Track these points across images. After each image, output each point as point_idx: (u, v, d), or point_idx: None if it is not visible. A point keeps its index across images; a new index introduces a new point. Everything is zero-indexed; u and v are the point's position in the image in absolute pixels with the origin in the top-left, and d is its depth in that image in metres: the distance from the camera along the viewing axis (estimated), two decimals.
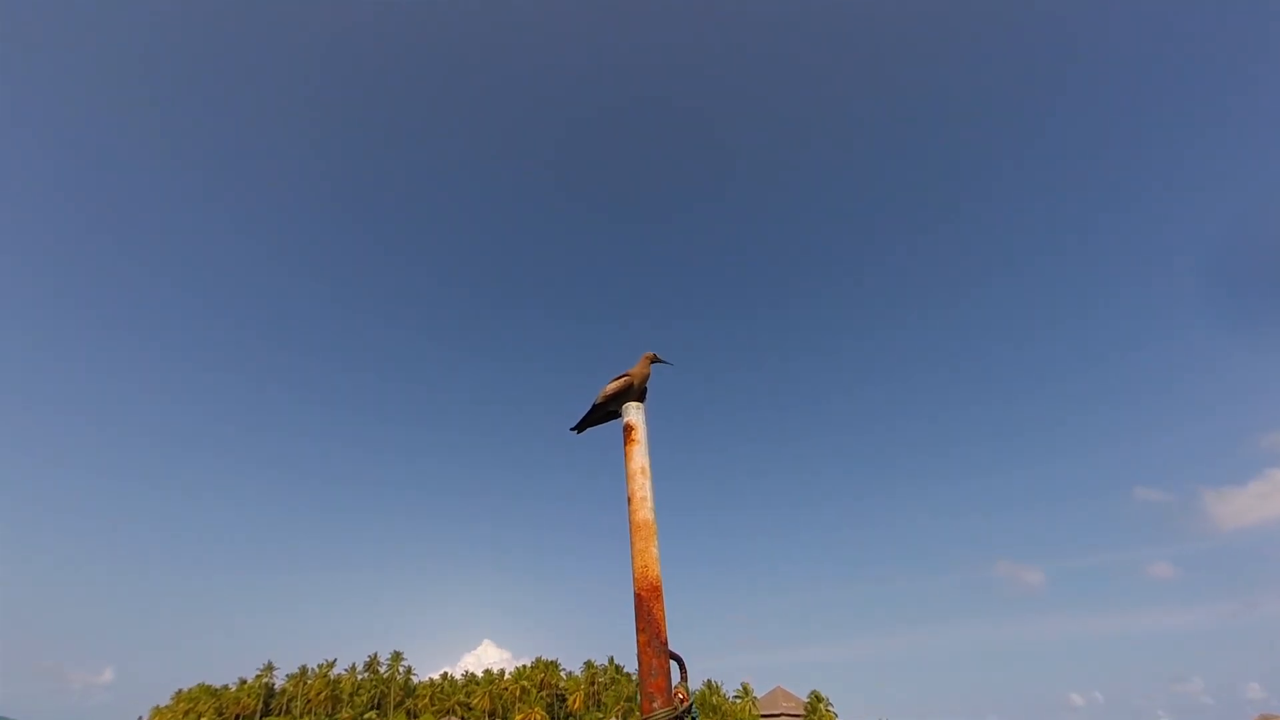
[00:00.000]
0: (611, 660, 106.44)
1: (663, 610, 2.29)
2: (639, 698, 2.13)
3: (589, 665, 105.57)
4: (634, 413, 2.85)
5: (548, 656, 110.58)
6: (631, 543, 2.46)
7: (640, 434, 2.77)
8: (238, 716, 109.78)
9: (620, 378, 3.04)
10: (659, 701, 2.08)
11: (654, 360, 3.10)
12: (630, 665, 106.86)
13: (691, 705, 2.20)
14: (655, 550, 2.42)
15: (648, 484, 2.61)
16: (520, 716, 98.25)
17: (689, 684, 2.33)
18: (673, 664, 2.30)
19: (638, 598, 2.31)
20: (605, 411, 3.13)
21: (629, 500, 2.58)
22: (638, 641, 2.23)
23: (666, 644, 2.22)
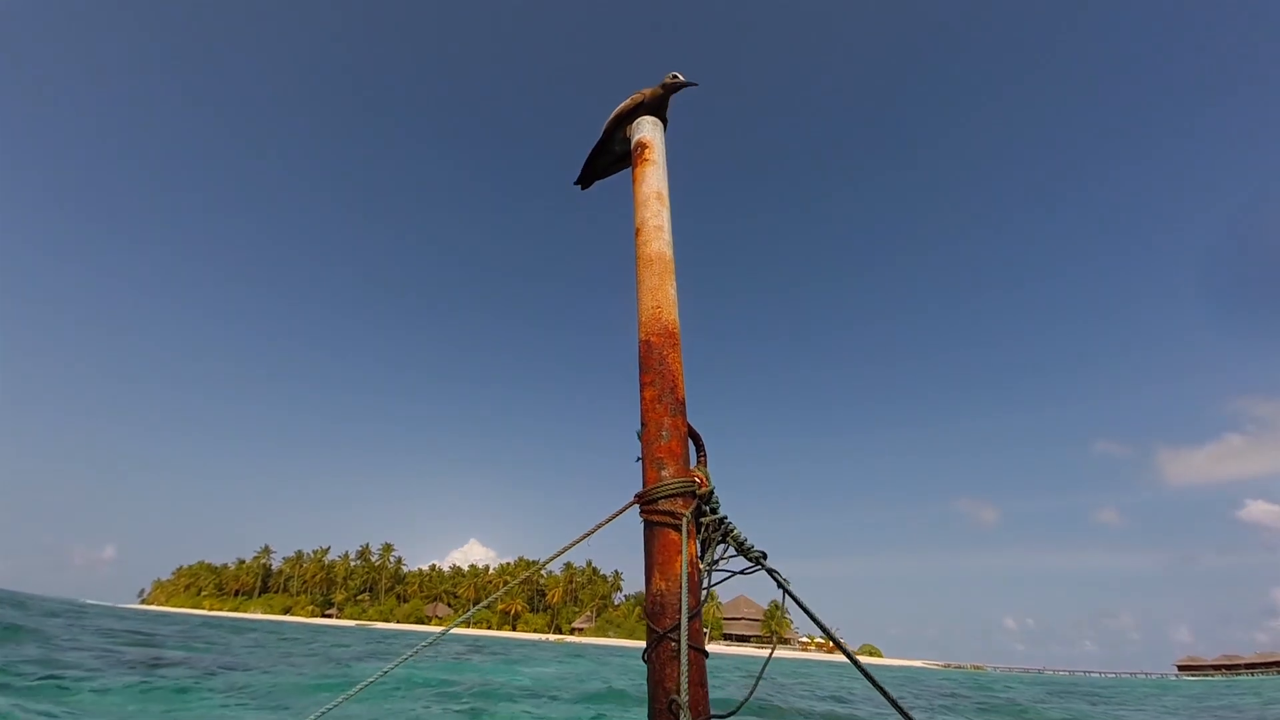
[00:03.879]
0: (589, 563, 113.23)
1: (680, 362, 1.57)
2: (642, 468, 1.45)
3: (568, 566, 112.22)
4: (648, 128, 2.00)
5: (530, 557, 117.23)
6: (639, 281, 1.69)
7: (656, 153, 1.93)
8: (237, 592, 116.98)
9: (632, 96, 2.18)
10: (670, 469, 1.39)
11: (675, 83, 2.20)
12: (607, 567, 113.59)
13: (713, 492, 1.53)
14: (672, 290, 1.66)
15: (665, 212, 1.81)
16: (503, 606, 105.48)
17: (709, 470, 1.65)
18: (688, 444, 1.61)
19: (645, 345, 1.57)
20: (616, 154, 2.29)
21: (637, 233, 1.79)
22: (643, 399, 1.51)
23: (684, 404, 1.52)
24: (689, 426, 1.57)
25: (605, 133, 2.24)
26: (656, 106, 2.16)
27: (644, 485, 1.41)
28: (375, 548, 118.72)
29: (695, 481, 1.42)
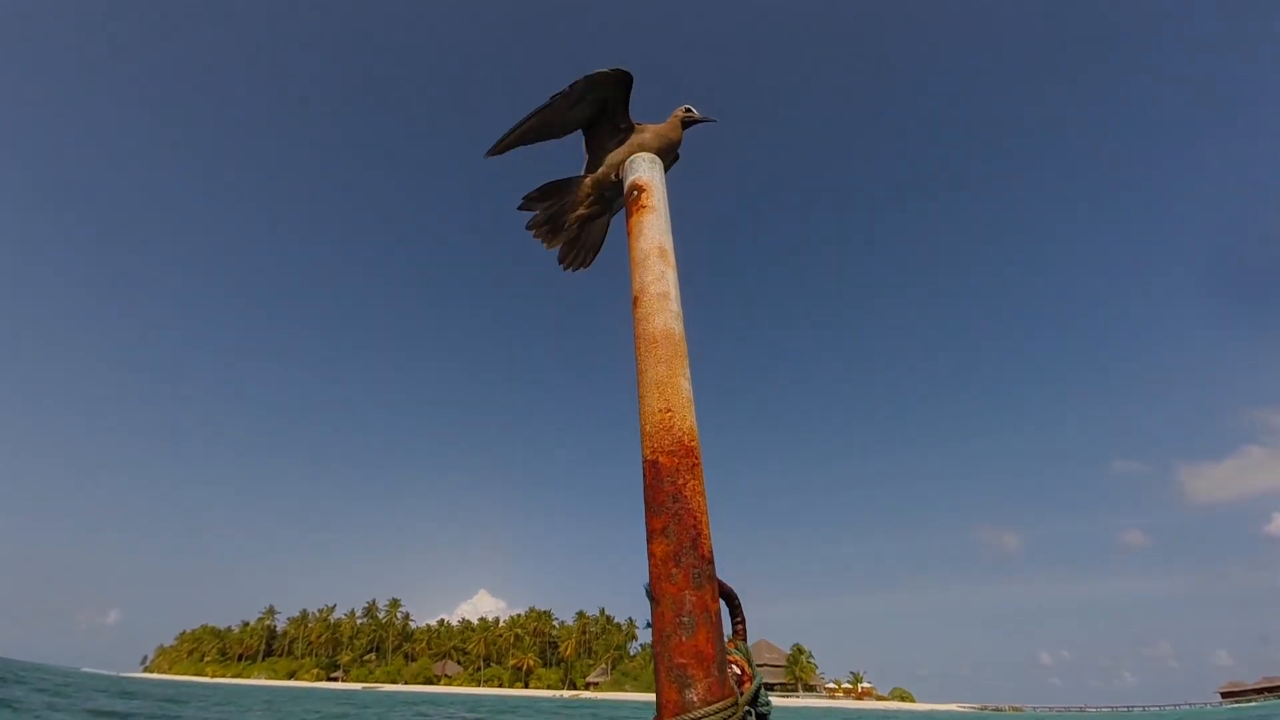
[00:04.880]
0: (603, 611, 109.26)
1: (703, 493, 1.09)
2: (655, 675, 0.94)
3: (581, 616, 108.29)
4: (644, 167, 1.58)
5: (541, 607, 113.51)
6: (640, 370, 1.23)
7: (656, 198, 1.50)
8: (241, 656, 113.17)
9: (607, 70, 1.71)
10: (699, 687, 0.86)
11: (690, 118, 1.79)
12: (621, 614, 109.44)
13: (759, 691, 1.02)
14: (686, 383, 1.20)
15: (670, 274, 1.37)
16: (514, 661, 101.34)
17: (748, 642, 1.14)
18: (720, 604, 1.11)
19: (652, 468, 1.09)
20: (575, 119, 1.75)
21: (635, 302, 1.33)
22: (651, 556, 1.02)
23: (712, 562, 1.02)
24: (720, 585, 1.08)
25: (568, 94, 1.66)
26: (665, 145, 1.75)
27: (659, 709, 0.90)
28: (382, 604, 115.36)
29: (734, 702, 0.90)
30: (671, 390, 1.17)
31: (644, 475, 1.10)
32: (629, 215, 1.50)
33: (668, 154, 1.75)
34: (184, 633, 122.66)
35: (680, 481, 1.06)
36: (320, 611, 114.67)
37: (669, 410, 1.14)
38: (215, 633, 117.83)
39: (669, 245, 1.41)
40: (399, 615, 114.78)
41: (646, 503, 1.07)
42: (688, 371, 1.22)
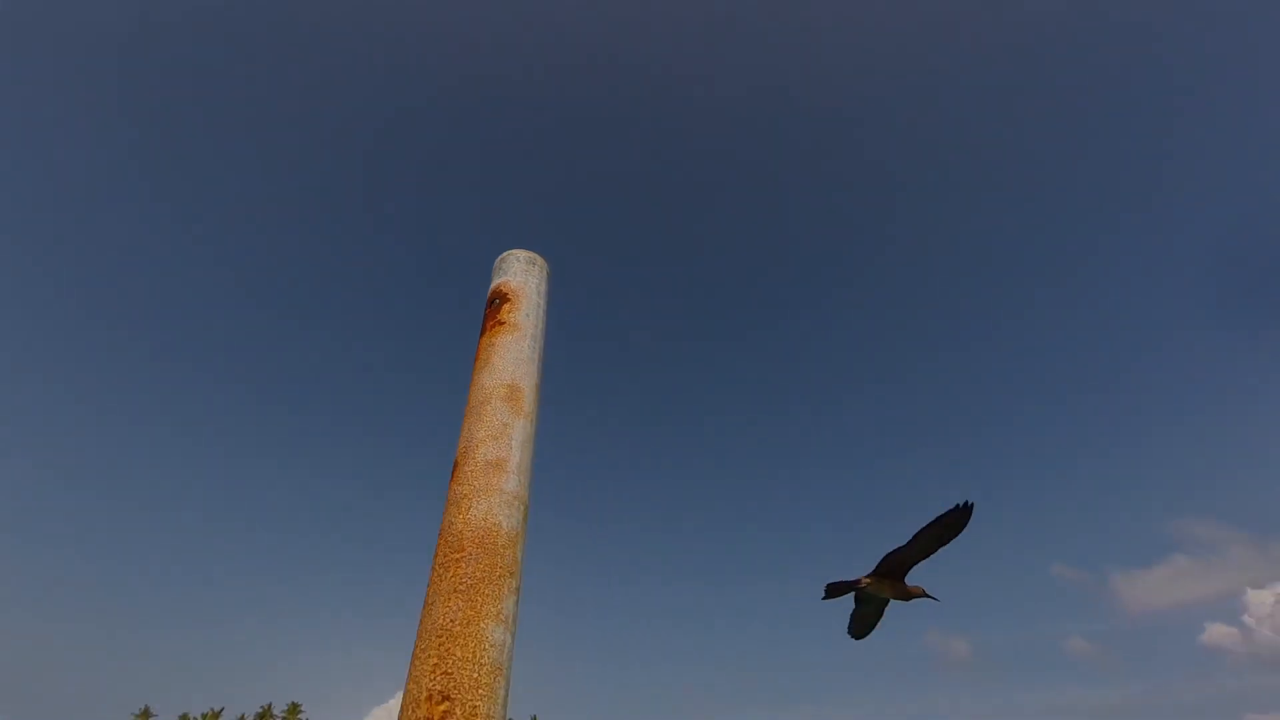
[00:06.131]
0: (535, 718, 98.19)
1: None
2: None
3: None
4: (517, 270, 1.18)
5: None
6: (429, 598, 0.75)
7: (523, 313, 1.09)
8: None
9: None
10: None
11: (921, 595, 2.79)
12: None
13: None
14: (503, 631, 0.72)
15: (521, 427, 0.92)
16: None
17: None
18: None
19: None
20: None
21: (454, 469, 0.88)
22: None
23: None
24: None
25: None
26: (894, 589, 2.57)
27: None
28: (279, 709, 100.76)
29: None
30: (465, 651, 0.67)
31: None
32: (481, 332, 1.08)
33: (889, 596, 2.66)
34: None
35: None
36: (205, 716, 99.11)
37: (446, 700, 0.64)
38: None
39: (528, 384, 0.98)
40: None
41: None
42: (512, 609, 0.73)
